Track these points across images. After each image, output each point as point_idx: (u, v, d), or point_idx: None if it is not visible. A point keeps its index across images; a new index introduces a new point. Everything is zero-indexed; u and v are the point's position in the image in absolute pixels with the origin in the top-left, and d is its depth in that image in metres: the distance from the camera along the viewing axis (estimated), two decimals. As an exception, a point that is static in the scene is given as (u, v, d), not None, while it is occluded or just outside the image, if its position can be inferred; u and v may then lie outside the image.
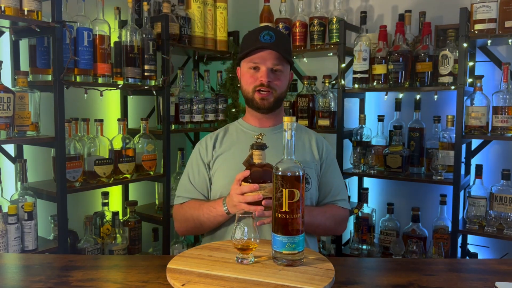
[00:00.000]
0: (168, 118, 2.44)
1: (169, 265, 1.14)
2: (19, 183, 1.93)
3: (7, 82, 2.03)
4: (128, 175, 2.31)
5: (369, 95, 2.73)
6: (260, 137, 1.32)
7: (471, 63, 2.36)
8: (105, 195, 2.34)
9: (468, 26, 2.16)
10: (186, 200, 1.63)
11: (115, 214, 2.35)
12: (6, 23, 1.92)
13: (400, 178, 2.41)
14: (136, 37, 2.27)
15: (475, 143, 2.45)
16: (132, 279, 1.16)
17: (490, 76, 2.38)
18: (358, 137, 2.60)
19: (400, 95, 2.50)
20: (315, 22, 2.64)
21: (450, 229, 2.28)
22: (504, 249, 2.36)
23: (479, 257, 2.38)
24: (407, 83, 2.36)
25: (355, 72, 2.48)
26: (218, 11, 2.76)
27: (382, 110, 2.67)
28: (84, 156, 2.15)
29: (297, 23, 2.69)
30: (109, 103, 2.61)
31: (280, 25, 2.71)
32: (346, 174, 2.58)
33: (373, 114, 2.66)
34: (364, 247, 2.56)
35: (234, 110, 2.75)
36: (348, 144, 2.75)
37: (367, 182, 2.76)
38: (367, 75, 2.46)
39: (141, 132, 2.41)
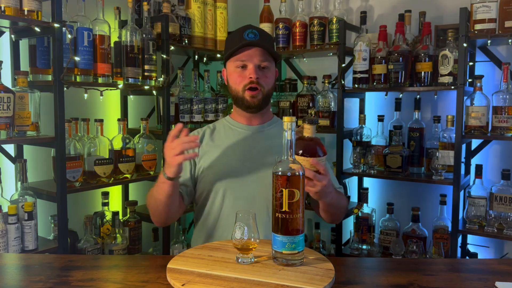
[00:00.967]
0: (168, 118, 2.44)
1: (169, 265, 1.14)
2: (19, 183, 1.93)
3: (7, 82, 2.03)
4: (128, 175, 2.31)
5: (369, 95, 2.73)
6: (312, 112, 1.32)
7: (471, 63, 2.37)
8: (105, 195, 2.34)
9: (468, 26, 2.16)
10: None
11: (115, 214, 2.35)
12: (6, 23, 1.92)
13: (400, 178, 2.41)
14: (136, 37, 2.27)
15: (475, 143, 2.45)
16: (132, 279, 1.16)
17: (490, 76, 2.38)
18: (358, 137, 2.60)
19: (400, 95, 2.50)
20: (315, 22, 2.64)
21: (450, 229, 2.28)
22: (504, 249, 2.36)
23: (479, 257, 2.38)
24: (407, 83, 2.36)
25: (355, 72, 2.48)
26: (218, 11, 2.76)
27: (382, 110, 2.67)
28: (84, 156, 2.15)
29: (297, 23, 2.69)
30: (109, 103, 2.61)
31: (280, 25, 2.71)
32: (346, 174, 2.58)
33: (373, 114, 2.66)
34: (364, 247, 2.56)
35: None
36: (348, 144, 2.75)
37: (367, 182, 2.76)
38: (367, 75, 2.46)
39: (141, 132, 2.41)
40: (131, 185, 2.70)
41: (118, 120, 2.34)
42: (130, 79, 2.28)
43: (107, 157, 2.23)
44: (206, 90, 2.75)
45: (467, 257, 2.38)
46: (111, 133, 2.44)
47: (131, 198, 2.69)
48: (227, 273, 1.09)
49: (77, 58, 2.05)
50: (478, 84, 2.20)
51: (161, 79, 2.42)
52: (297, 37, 2.70)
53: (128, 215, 2.44)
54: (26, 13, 1.84)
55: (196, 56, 2.93)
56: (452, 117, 2.30)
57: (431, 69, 2.30)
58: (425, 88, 2.31)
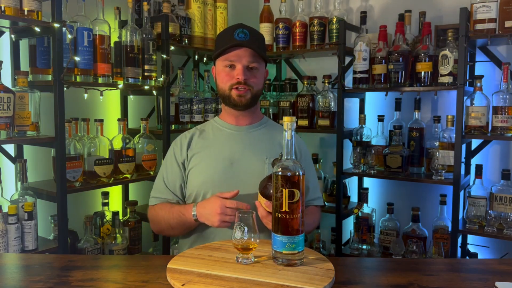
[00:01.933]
0: (168, 118, 2.44)
1: (169, 265, 1.14)
2: (19, 183, 1.93)
3: (7, 82, 2.03)
4: (128, 175, 2.31)
5: (369, 95, 2.73)
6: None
7: (471, 63, 2.36)
8: (105, 195, 2.34)
9: (468, 26, 2.16)
10: (158, 202, 1.63)
11: (115, 214, 2.35)
12: (6, 23, 1.92)
13: (400, 178, 2.41)
14: (136, 37, 2.27)
15: (475, 143, 2.45)
16: (132, 279, 1.16)
17: (490, 76, 2.38)
18: (358, 137, 2.60)
19: (400, 95, 2.50)
20: (315, 22, 2.64)
21: (450, 229, 2.28)
22: (504, 249, 2.36)
23: (479, 257, 2.38)
24: (407, 83, 2.36)
25: (355, 72, 2.48)
26: (218, 11, 2.76)
27: (382, 110, 2.67)
28: (84, 156, 2.15)
29: (297, 23, 2.69)
30: (109, 103, 2.61)
31: (280, 25, 2.71)
32: (346, 174, 2.58)
33: (373, 114, 2.66)
34: (364, 247, 2.56)
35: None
36: (348, 144, 2.75)
37: (367, 182, 2.76)
38: (367, 75, 2.46)
39: (141, 132, 2.41)
40: (131, 185, 2.70)
41: (118, 120, 2.34)
42: (130, 79, 2.28)
43: (107, 157, 2.22)
44: (206, 90, 2.75)
45: (467, 257, 2.38)
46: (111, 133, 2.44)
47: (131, 198, 2.69)
48: (227, 273, 1.09)
49: (77, 58, 2.05)
50: (478, 84, 2.20)
51: (161, 79, 2.42)
52: (297, 37, 2.70)
53: (128, 215, 2.44)
54: (26, 13, 1.84)
55: (196, 56, 2.93)
56: (452, 117, 2.30)
57: (431, 69, 2.30)
58: (425, 88, 2.31)
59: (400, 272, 1.23)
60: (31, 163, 2.16)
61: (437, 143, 2.36)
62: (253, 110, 1.65)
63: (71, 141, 2.09)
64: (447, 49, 2.23)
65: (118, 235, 2.31)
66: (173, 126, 2.52)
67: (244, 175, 1.54)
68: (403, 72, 2.34)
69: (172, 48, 2.45)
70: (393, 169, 2.42)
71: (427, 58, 2.29)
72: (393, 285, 1.13)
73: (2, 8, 1.77)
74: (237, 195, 1.48)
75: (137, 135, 2.40)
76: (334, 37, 2.61)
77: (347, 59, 2.57)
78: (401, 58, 2.33)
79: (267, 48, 2.69)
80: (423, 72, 2.32)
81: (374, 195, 2.74)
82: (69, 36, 1.98)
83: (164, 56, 2.41)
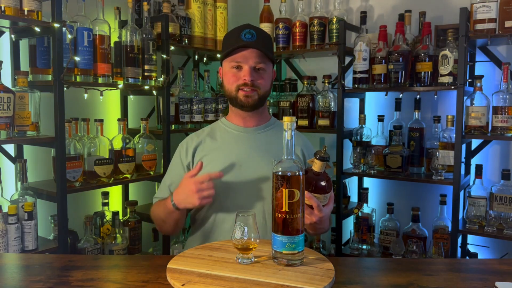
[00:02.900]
0: (168, 118, 2.44)
1: (169, 265, 1.14)
2: (19, 183, 1.93)
3: (7, 82, 2.03)
4: (128, 175, 2.31)
5: (369, 95, 2.73)
6: (325, 149, 1.31)
7: (471, 63, 2.36)
8: (105, 195, 2.34)
9: (468, 26, 2.16)
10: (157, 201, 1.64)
11: (115, 214, 2.35)
12: (6, 23, 1.92)
13: (400, 178, 2.41)
14: (136, 37, 2.27)
15: (475, 143, 2.45)
16: (132, 279, 1.16)
17: (490, 76, 2.38)
18: (358, 137, 2.60)
19: (400, 95, 2.50)
20: (315, 22, 2.64)
21: (450, 229, 2.28)
22: (504, 249, 2.36)
23: (479, 257, 2.38)
24: (407, 83, 2.36)
25: (355, 72, 2.48)
26: (218, 11, 2.76)
27: (382, 110, 2.67)
28: (84, 156, 2.15)
29: (297, 23, 2.69)
30: (109, 103, 2.61)
31: (280, 25, 2.71)
32: (346, 174, 2.58)
33: (373, 114, 2.66)
34: (364, 247, 2.56)
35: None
36: (348, 144, 2.75)
37: (367, 182, 2.76)
38: (367, 75, 2.46)
39: (141, 132, 2.41)
40: (131, 185, 2.71)
41: (118, 120, 2.34)
42: (130, 79, 2.28)
43: (107, 157, 2.23)
44: (206, 90, 2.75)
45: (467, 257, 2.38)
46: (111, 133, 2.44)
47: (131, 198, 2.69)
48: (227, 273, 1.09)
49: (77, 58, 2.05)
50: (478, 84, 2.20)
51: (161, 79, 2.42)
52: (297, 37, 2.70)
53: (128, 215, 2.45)
54: (26, 13, 1.84)
55: (196, 56, 2.93)
56: (452, 117, 2.30)
57: (431, 69, 2.30)
58: (425, 88, 2.31)
59: (400, 272, 1.23)
60: (31, 163, 2.16)
61: (437, 143, 2.36)
62: (260, 111, 1.63)
63: (71, 141, 2.09)
64: (447, 49, 2.23)
65: (118, 235, 2.31)
66: (173, 126, 2.52)
67: (252, 177, 1.53)
68: (403, 72, 2.34)
69: (172, 48, 2.46)
70: (393, 169, 2.42)
71: (427, 58, 2.29)
72: (393, 285, 1.13)
73: (2, 8, 1.77)
74: (246, 198, 1.50)
75: (137, 135, 2.40)
76: (334, 37, 2.61)
77: (347, 59, 2.57)
78: (401, 58, 2.33)
79: (267, 48, 2.68)
80: (423, 72, 2.32)
81: (374, 195, 2.74)
82: (69, 36, 1.98)
83: (164, 56, 2.41)
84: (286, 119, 1.15)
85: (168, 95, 2.43)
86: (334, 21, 2.59)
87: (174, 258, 1.19)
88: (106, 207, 2.34)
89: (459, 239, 2.37)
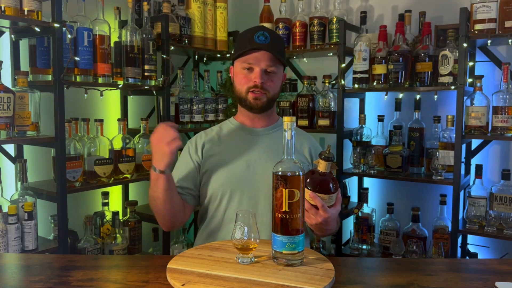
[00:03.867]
0: (168, 118, 2.44)
1: (169, 265, 1.14)
2: (19, 183, 1.93)
3: (7, 82, 2.03)
4: (128, 175, 2.31)
5: (369, 95, 2.73)
6: (329, 150, 1.31)
7: (471, 63, 2.36)
8: (105, 195, 2.34)
9: (468, 26, 2.16)
10: None
11: (115, 214, 2.35)
12: (6, 23, 1.92)
13: (400, 178, 2.41)
14: (136, 37, 2.27)
15: (475, 143, 2.45)
16: (132, 279, 1.16)
17: (490, 76, 2.38)
18: (358, 137, 2.60)
19: (400, 95, 2.50)
20: (315, 22, 2.64)
21: (450, 229, 2.28)
22: (504, 249, 2.36)
23: (479, 257, 2.38)
24: (407, 83, 2.36)
25: (355, 72, 2.48)
26: (218, 11, 2.76)
27: (382, 110, 2.67)
28: (84, 156, 2.15)
29: (297, 23, 2.69)
30: (109, 103, 2.61)
31: (280, 25, 2.71)
32: (346, 174, 2.58)
33: (373, 114, 2.66)
34: (364, 247, 2.56)
35: (234, 110, 2.75)
36: (348, 144, 2.75)
37: (367, 182, 2.76)
38: (367, 75, 2.46)
39: (141, 132, 2.41)
40: (131, 185, 2.71)
41: (118, 120, 2.34)
42: (130, 79, 2.28)
43: (107, 157, 2.23)
44: (206, 90, 2.75)
45: (467, 257, 2.38)
46: (111, 133, 2.44)
47: (131, 198, 2.69)
48: (227, 273, 1.09)
49: (77, 58, 2.05)
50: (478, 84, 2.20)
51: (161, 79, 2.42)
52: (297, 37, 2.70)
53: (128, 215, 2.45)
54: (26, 13, 1.84)
55: (196, 56, 2.93)
56: (452, 117, 2.30)
57: (431, 69, 2.30)
58: (425, 88, 2.31)
59: (400, 272, 1.22)
60: (31, 163, 2.16)
61: (437, 143, 2.36)
62: (269, 113, 1.64)
63: (71, 141, 2.09)
64: (447, 49, 2.23)
65: (118, 235, 2.31)
66: (173, 126, 2.52)
67: (260, 177, 1.53)
68: (403, 72, 2.34)
69: (172, 48, 2.46)
70: (393, 169, 2.42)
71: (427, 58, 2.29)
72: (393, 285, 1.13)
73: (2, 8, 1.77)
74: (254, 197, 1.51)
75: (137, 135, 2.40)
76: (334, 37, 2.61)
77: (347, 59, 2.57)
78: (401, 58, 2.33)
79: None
80: (423, 72, 2.32)
81: (374, 195, 2.74)
82: (69, 36, 1.98)
83: (164, 56, 2.41)
84: (286, 119, 1.15)
85: (168, 95, 2.43)
86: (334, 21, 2.59)
87: (174, 258, 1.19)
88: (106, 207, 2.34)
89: (459, 239, 2.37)
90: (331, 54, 2.69)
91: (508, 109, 2.11)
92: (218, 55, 2.85)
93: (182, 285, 1.02)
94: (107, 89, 2.23)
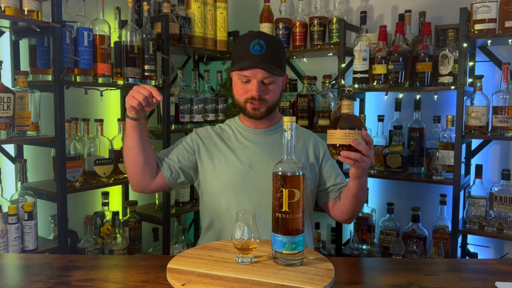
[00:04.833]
0: (168, 118, 2.44)
1: (169, 265, 1.14)
2: (19, 183, 1.93)
3: (7, 82, 2.03)
4: (128, 175, 2.31)
5: (369, 95, 2.73)
6: (350, 89, 1.29)
7: (471, 63, 2.36)
8: (105, 195, 2.34)
9: (468, 26, 2.16)
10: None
11: (115, 214, 2.35)
12: (6, 23, 1.92)
13: (400, 178, 2.41)
14: (136, 37, 2.27)
15: (475, 143, 2.45)
16: (132, 279, 1.16)
17: (490, 76, 2.38)
18: (358, 137, 2.59)
19: (400, 95, 2.50)
20: (315, 22, 2.64)
21: (450, 229, 2.28)
22: (504, 249, 2.36)
23: (479, 257, 2.38)
24: (407, 83, 2.36)
25: (355, 72, 2.48)
26: (218, 11, 2.76)
27: (382, 110, 2.67)
28: (84, 156, 2.15)
29: (297, 23, 2.69)
30: (109, 103, 2.61)
31: (280, 25, 2.71)
32: (346, 174, 2.58)
33: (373, 114, 2.66)
34: (364, 247, 2.56)
35: (234, 110, 2.75)
36: (348, 144, 2.74)
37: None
38: (367, 75, 2.46)
39: (141, 132, 2.40)
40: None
41: (118, 120, 2.34)
42: (130, 79, 2.28)
43: (107, 157, 2.23)
44: (206, 90, 2.75)
45: (467, 257, 2.38)
46: (111, 133, 2.44)
47: (131, 198, 2.69)
48: (227, 273, 1.09)
49: (77, 58, 2.05)
50: (478, 84, 2.20)
51: (161, 79, 2.42)
52: (297, 37, 2.70)
53: (128, 215, 2.45)
54: (26, 13, 1.84)
55: (196, 56, 2.93)
56: (452, 117, 2.30)
57: (431, 69, 2.30)
58: (425, 88, 2.31)
59: (400, 272, 1.23)
60: (31, 163, 2.16)
61: (437, 143, 2.36)
62: (271, 116, 1.63)
63: (71, 141, 2.09)
64: (447, 49, 2.23)
65: (118, 235, 2.31)
66: (173, 126, 2.52)
67: (263, 178, 1.53)
68: (403, 72, 2.34)
69: (172, 48, 2.45)
70: (393, 169, 2.42)
71: (427, 58, 2.29)
72: (393, 285, 1.13)
73: (2, 8, 1.77)
74: (257, 197, 1.51)
75: (137, 135, 2.40)
76: (334, 37, 2.61)
77: (347, 59, 2.57)
78: (401, 58, 2.33)
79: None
80: (423, 72, 2.32)
81: (374, 195, 2.74)
82: (69, 36, 1.98)
83: (164, 56, 2.41)
84: (286, 119, 1.15)
85: (168, 95, 2.43)
86: (334, 21, 2.59)
87: (174, 258, 1.19)
88: (106, 207, 2.34)
89: (459, 239, 2.37)
90: (331, 54, 2.69)
91: (508, 109, 2.11)
92: (218, 55, 2.85)
93: (182, 285, 1.02)
94: (107, 89, 2.23)
